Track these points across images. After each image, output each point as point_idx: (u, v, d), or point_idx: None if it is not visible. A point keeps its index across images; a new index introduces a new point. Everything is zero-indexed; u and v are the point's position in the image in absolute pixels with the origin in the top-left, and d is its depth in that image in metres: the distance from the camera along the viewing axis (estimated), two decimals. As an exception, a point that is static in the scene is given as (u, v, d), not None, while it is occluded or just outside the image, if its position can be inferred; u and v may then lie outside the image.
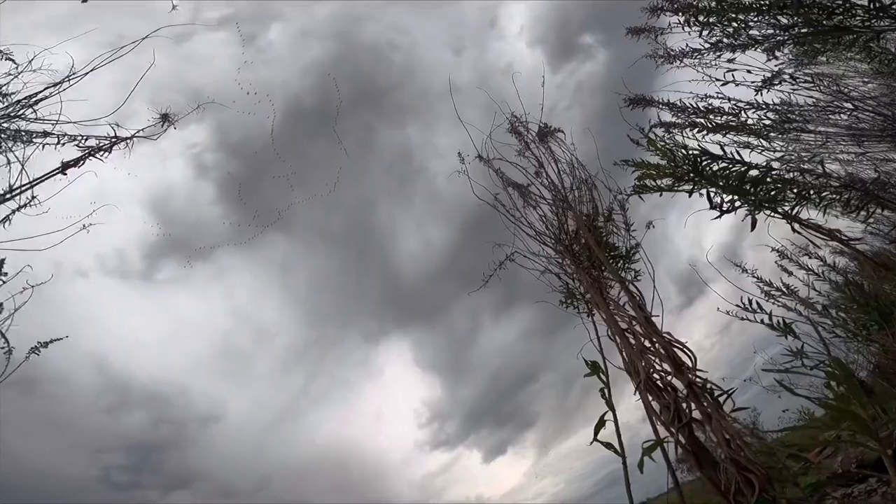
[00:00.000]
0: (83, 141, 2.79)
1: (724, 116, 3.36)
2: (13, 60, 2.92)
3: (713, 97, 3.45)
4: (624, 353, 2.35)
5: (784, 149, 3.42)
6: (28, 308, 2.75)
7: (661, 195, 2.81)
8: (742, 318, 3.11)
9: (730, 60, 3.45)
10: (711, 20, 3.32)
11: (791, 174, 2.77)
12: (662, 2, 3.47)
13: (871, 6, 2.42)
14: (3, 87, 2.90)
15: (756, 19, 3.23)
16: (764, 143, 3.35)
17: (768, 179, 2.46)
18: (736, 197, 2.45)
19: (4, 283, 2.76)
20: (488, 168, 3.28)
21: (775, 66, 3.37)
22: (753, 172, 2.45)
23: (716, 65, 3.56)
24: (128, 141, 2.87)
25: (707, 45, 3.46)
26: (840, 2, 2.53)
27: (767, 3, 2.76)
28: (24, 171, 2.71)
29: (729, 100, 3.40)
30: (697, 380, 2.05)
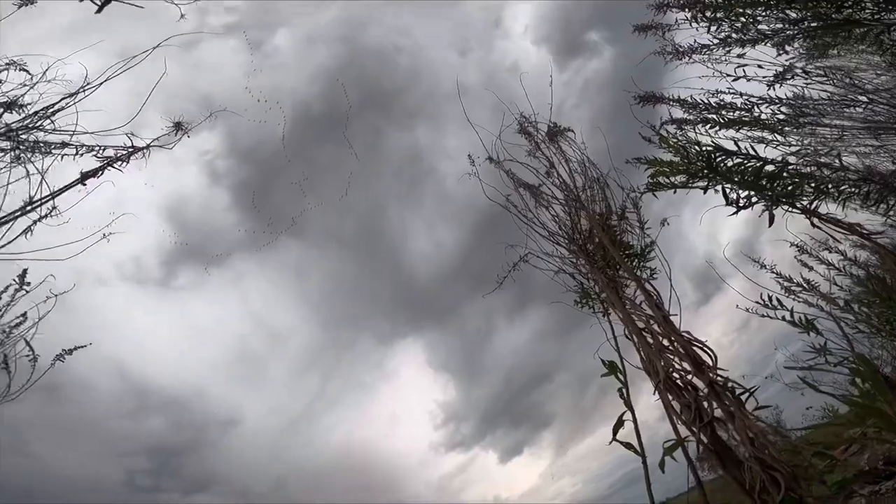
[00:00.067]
0: (101, 151, 2.83)
1: (737, 112, 3.33)
2: (27, 71, 2.97)
3: (724, 93, 3.43)
4: (642, 353, 2.33)
5: (800, 143, 3.38)
6: (52, 316, 2.81)
7: (674, 192, 2.79)
8: (763, 316, 3.07)
9: (740, 56, 3.43)
10: (719, 15, 3.30)
11: (808, 168, 2.74)
12: (669, -2, 3.46)
13: (883, -2, 2.39)
14: (20, 99, 2.96)
15: (764, 14, 3.21)
16: (779, 137, 3.31)
17: (785, 174, 2.43)
18: (752, 192, 2.43)
19: (28, 292, 2.81)
20: (499, 169, 3.29)
21: (786, 60, 3.34)
22: (769, 167, 2.43)
23: (726, 60, 3.54)
24: (144, 150, 2.91)
25: (716, 41, 3.44)
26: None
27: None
28: (43, 182, 2.76)
29: (741, 95, 3.38)
30: (719, 378, 2.03)
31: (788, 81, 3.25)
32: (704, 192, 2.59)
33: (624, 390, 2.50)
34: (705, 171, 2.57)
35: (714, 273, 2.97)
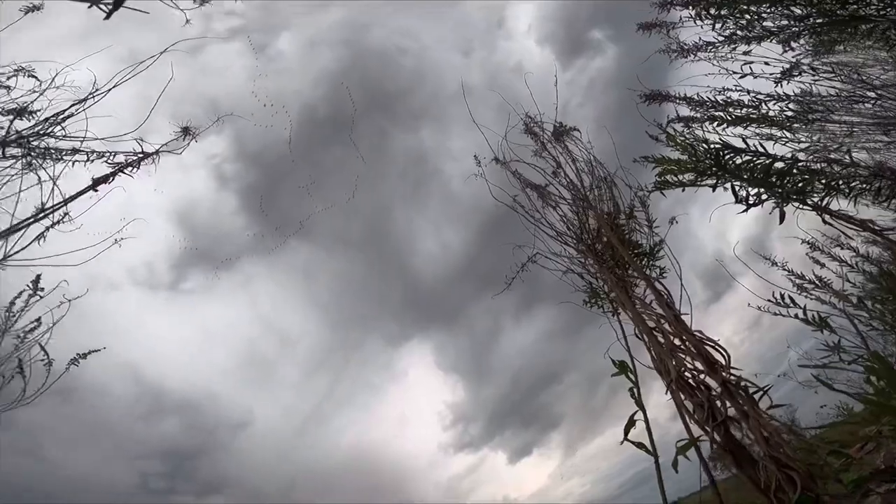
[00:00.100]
0: (112, 157, 2.86)
1: (745, 109, 3.32)
2: (36, 77, 2.99)
3: (731, 90, 3.41)
4: (653, 352, 2.32)
5: (809, 139, 3.36)
6: (65, 321, 2.84)
7: (683, 190, 2.77)
8: (775, 314, 3.04)
9: (746, 53, 3.42)
10: (723, 12, 3.29)
11: (818, 165, 2.72)
12: (673, -4, 3.45)
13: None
14: (30, 105, 2.98)
15: (769, 10, 3.19)
16: (788, 134, 3.29)
17: (795, 171, 2.42)
18: (762, 190, 2.42)
19: (42, 298, 2.84)
20: (505, 170, 3.29)
21: (793, 56, 3.33)
22: (779, 164, 2.41)
23: (731, 58, 3.53)
24: (154, 156, 2.93)
25: (721, 38, 3.43)
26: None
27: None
28: (55, 188, 2.78)
29: (748, 92, 3.36)
30: (732, 377, 2.02)
31: (796, 78, 3.23)
32: (713, 190, 2.58)
33: (635, 390, 2.49)
34: (714, 169, 2.56)
35: (724, 271, 2.96)
